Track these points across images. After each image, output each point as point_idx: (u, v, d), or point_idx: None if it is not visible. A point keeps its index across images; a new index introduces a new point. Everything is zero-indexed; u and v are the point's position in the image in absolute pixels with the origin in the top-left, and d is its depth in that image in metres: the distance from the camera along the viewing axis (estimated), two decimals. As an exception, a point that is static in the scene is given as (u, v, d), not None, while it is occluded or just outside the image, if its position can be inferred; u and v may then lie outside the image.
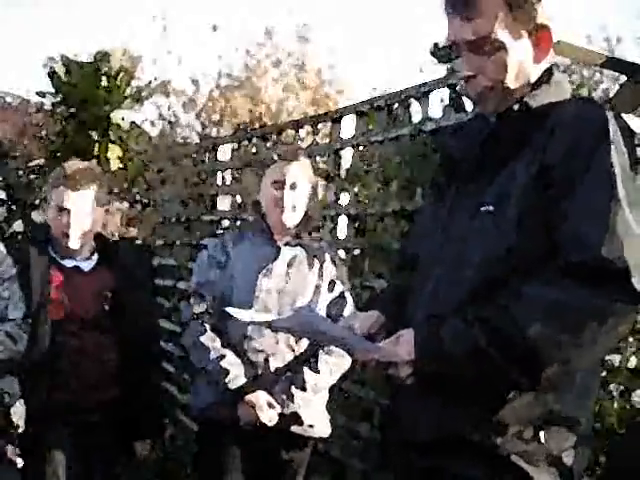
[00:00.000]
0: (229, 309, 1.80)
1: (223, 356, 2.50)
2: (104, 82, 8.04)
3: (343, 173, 3.77)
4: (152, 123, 11.04)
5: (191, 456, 3.89)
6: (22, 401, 2.57)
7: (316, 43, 12.72)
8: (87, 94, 7.94)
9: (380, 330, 1.63)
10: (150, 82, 8.85)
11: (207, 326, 2.56)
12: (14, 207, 7.74)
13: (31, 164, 7.97)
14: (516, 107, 1.53)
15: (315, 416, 2.59)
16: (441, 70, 7.00)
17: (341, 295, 2.62)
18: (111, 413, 2.72)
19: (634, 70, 2.69)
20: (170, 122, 11.66)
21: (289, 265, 2.61)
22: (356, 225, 3.59)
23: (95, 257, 2.83)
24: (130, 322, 2.75)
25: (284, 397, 2.50)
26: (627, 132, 1.45)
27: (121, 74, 8.16)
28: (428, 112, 3.22)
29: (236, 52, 12.68)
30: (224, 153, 5.04)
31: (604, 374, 2.49)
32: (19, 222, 7.52)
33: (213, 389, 2.55)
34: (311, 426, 2.58)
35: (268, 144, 4.54)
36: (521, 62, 1.53)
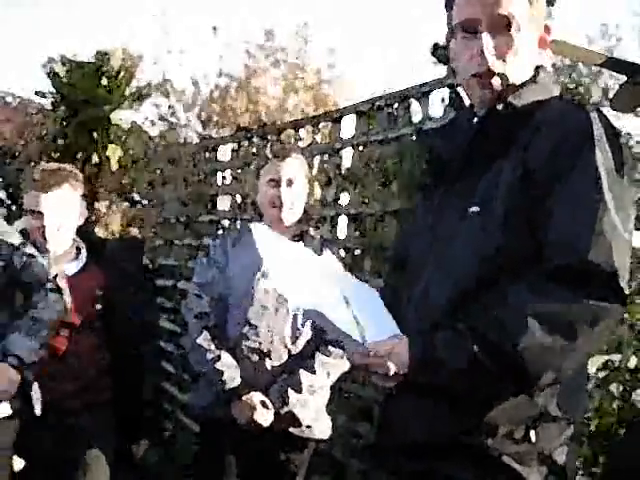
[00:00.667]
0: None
1: (219, 357, 2.50)
2: (104, 82, 8.03)
3: (343, 173, 3.77)
4: (152, 123, 11.03)
5: (191, 456, 3.89)
6: None
7: (316, 43, 12.71)
8: (87, 94, 7.94)
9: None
10: (150, 82, 8.84)
11: (203, 326, 2.56)
12: (14, 207, 7.74)
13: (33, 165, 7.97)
14: (500, 107, 1.52)
15: (313, 417, 2.58)
16: (441, 70, 7.00)
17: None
18: (105, 415, 2.71)
19: (634, 70, 2.69)
20: (170, 122, 11.65)
21: (289, 264, 2.60)
22: (356, 225, 3.59)
23: (83, 257, 2.81)
24: (121, 320, 2.73)
25: (280, 397, 2.50)
26: (612, 133, 1.44)
27: (121, 74, 8.16)
28: (428, 112, 3.22)
29: (236, 52, 12.69)
30: (224, 153, 5.04)
31: (604, 374, 2.49)
32: (19, 222, 7.51)
33: (213, 389, 2.55)
34: (309, 427, 2.57)
35: (268, 144, 4.54)
36: (529, 53, 1.53)
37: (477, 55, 1.51)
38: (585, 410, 1.57)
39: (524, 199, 1.42)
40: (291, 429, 2.55)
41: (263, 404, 2.48)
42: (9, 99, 9.65)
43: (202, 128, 12.00)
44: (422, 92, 3.25)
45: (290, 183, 2.60)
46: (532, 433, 1.43)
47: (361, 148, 3.64)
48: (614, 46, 11.58)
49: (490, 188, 1.47)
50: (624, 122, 2.42)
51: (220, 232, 4.78)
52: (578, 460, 2.28)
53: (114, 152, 7.84)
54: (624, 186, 1.41)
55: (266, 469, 2.58)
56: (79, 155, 7.64)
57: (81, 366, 2.65)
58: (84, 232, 2.83)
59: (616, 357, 2.51)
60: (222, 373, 2.48)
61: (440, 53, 6.82)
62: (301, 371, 2.53)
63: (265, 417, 2.48)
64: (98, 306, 2.73)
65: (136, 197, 6.65)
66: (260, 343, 2.52)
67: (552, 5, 1.55)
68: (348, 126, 3.74)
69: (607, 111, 2.42)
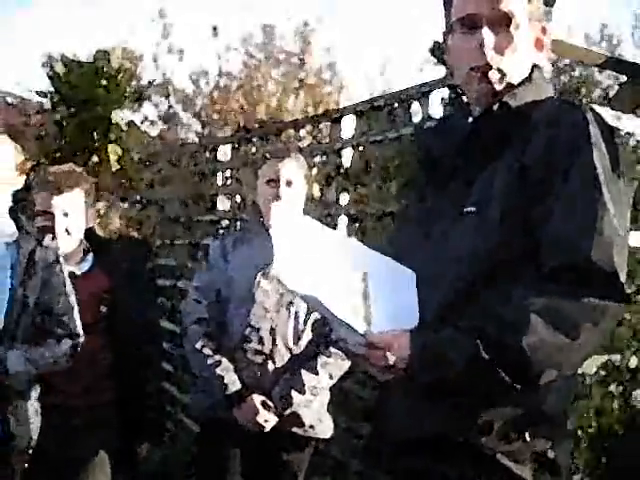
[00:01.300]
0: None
1: (219, 362, 2.50)
2: (104, 82, 8.03)
3: (343, 173, 3.77)
4: (152, 123, 11.03)
5: (191, 456, 3.89)
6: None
7: (315, 42, 12.69)
8: (87, 94, 7.94)
9: None
10: (150, 82, 8.84)
11: (203, 331, 2.56)
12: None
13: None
14: (495, 107, 1.52)
15: (316, 417, 2.58)
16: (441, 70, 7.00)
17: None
18: (107, 415, 2.71)
19: (634, 70, 2.70)
20: (170, 122, 11.65)
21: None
22: (356, 225, 3.59)
23: (90, 258, 2.81)
24: (125, 322, 2.73)
25: (283, 399, 2.50)
26: (608, 132, 1.44)
27: (121, 74, 8.15)
28: (428, 112, 3.22)
29: (236, 52, 12.69)
30: (224, 153, 5.04)
31: (604, 374, 2.50)
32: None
33: (214, 391, 2.55)
34: (312, 427, 2.57)
35: (268, 144, 4.54)
36: (526, 52, 1.54)
37: (476, 49, 1.51)
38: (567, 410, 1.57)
39: (521, 198, 1.42)
40: (294, 429, 2.55)
41: (265, 405, 2.49)
42: (9, 99, 9.65)
43: (202, 128, 12.01)
44: (422, 92, 3.25)
45: (289, 183, 2.59)
46: (526, 432, 1.43)
47: (361, 148, 3.65)
48: (614, 46, 11.60)
49: (486, 188, 1.47)
50: (624, 122, 2.42)
51: (220, 232, 4.78)
52: (578, 460, 2.28)
53: (114, 152, 7.83)
54: (620, 185, 1.42)
55: (267, 469, 2.59)
56: (79, 155, 7.64)
57: (85, 367, 2.65)
58: (88, 233, 2.84)
59: (616, 357, 2.51)
60: (223, 378, 2.48)
61: (440, 53, 6.83)
62: (303, 372, 2.53)
63: (267, 419, 2.48)
64: (103, 308, 2.74)
65: (136, 197, 6.64)
66: (262, 345, 2.52)
67: (551, 6, 1.54)
68: (348, 126, 3.74)
69: (607, 111, 2.42)
